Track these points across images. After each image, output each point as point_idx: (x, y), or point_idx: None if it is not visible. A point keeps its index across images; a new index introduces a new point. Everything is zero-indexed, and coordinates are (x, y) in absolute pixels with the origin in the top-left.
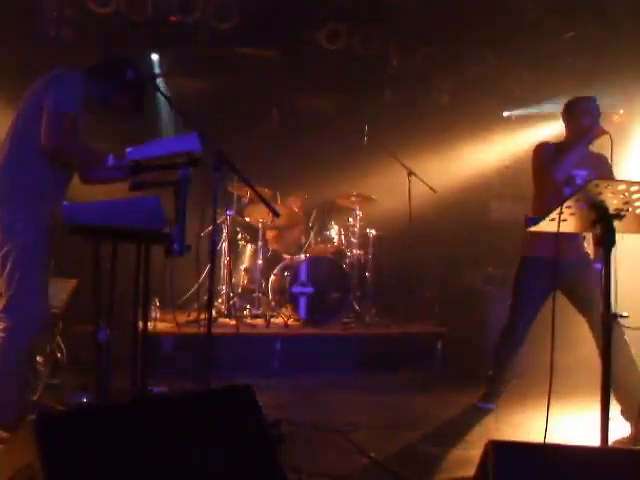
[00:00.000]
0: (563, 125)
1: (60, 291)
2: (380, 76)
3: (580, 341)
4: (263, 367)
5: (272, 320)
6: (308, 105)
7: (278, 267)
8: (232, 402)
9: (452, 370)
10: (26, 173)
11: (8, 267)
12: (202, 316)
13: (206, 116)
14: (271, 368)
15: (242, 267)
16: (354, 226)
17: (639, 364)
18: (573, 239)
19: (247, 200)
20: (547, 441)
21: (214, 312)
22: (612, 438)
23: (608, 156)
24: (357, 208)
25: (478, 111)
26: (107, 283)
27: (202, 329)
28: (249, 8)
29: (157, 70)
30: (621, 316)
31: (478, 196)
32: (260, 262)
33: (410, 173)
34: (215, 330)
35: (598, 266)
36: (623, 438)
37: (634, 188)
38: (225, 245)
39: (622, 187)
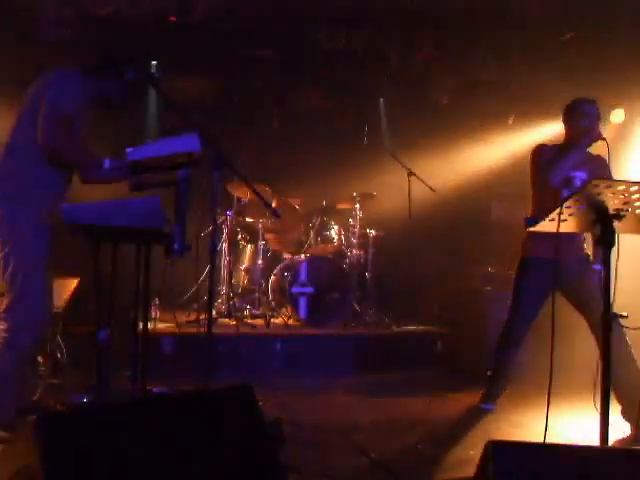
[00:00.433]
0: (562, 126)
1: (60, 291)
2: (380, 76)
3: (580, 341)
4: (263, 367)
5: (272, 320)
6: (308, 105)
7: (278, 267)
8: (232, 402)
9: (452, 370)
10: (27, 173)
11: (10, 268)
12: (202, 316)
13: (206, 116)
14: (271, 368)
15: (242, 267)
16: (354, 226)
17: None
18: (573, 240)
19: (247, 200)
20: (547, 441)
21: (214, 312)
22: (612, 438)
23: (624, 144)
24: (357, 208)
25: (478, 111)
26: (107, 283)
27: (202, 329)
28: (249, 8)
29: (156, 70)
30: (621, 316)
31: (478, 196)
32: (260, 262)
33: (410, 173)
34: (215, 330)
35: (597, 267)
36: (623, 438)
37: (634, 188)
38: (225, 245)
39: (622, 187)
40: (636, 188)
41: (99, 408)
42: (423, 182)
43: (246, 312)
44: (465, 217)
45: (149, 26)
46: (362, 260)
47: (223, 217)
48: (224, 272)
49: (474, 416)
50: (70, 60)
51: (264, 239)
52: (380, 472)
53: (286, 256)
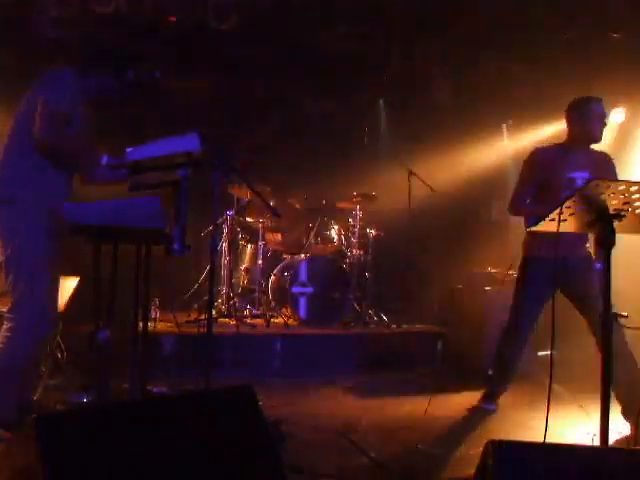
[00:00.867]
0: (562, 127)
1: (60, 291)
2: (380, 76)
3: (581, 341)
4: (263, 367)
5: (272, 320)
6: (308, 105)
7: (278, 267)
8: (232, 402)
9: (452, 370)
10: (29, 174)
11: (15, 268)
12: (202, 316)
13: (206, 116)
14: (271, 368)
15: (242, 267)
16: (354, 226)
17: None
18: (576, 240)
19: (247, 200)
20: (547, 441)
21: (214, 312)
22: (612, 438)
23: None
24: (357, 208)
25: (478, 111)
26: (107, 283)
27: (202, 329)
28: (249, 8)
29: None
30: (621, 316)
31: (478, 196)
32: (260, 262)
33: (410, 173)
34: (215, 330)
35: (598, 266)
36: (623, 438)
37: (634, 188)
38: (225, 245)
39: (622, 187)
40: (636, 188)
41: (99, 408)
42: (423, 182)
43: (246, 312)
44: (465, 217)
45: (149, 26)
46: (362, 260)
47: (223, 217)
48: (224, 272)
49: (474, 416)
50: (70, 60)
51: (264, 239)
52: (380, 472)
53: (286, 256)
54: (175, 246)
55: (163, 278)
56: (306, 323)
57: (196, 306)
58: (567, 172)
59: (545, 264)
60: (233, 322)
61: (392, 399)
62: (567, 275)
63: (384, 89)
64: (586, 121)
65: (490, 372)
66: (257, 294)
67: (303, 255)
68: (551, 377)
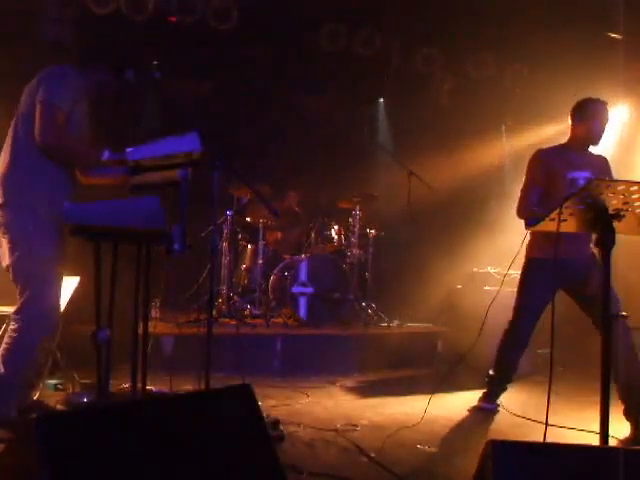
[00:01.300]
0: (562, 127)
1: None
2: (380, 76)
3: (581, 340)
4: (263, 367)
5: (272, 320)
6: (308, 105)
7: (278, 267)
8: (232, 402)
9: (452, 370)
10: (33, 175)
11: (24, 270)
12: (202, 316)
13: (206, 116)
14: (271, 368)
15: (242, 267)
16: (354, 226)
17: None
18: (579, 239)
19: (247, 200)
20: (547, 441)
21: (214, 312)
22: (612, 438)
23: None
24: (357, 208)
25: (477, 111)
26: (107, 283)
27: (202, 329)
28: (249, 8)
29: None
30: (621, 316)
31: (478, 196)
32: (260, 262)
33: (410, 173)
34: (215, 330)
35: None
36: (623, 438)
37: (634, 188)
38: (225, 245)
39: (621, 187)
40: (636, 188)
41: (99, 408)
42: (423, 182)
43: (246, 312)
44: (465, 217)
45: (149, 26)
46: (362, 260)
47: (223, 217)
48: (224, 272)
49: (474, 416)
50: (70, 60)
51: (264, 239)
52: (379, 472)
53: (286, 256)
54: (175, 246)
55: (163, 278)
56: (306, 323)
57: (196, 306)
58: (568, 172)
59: (548, 265)
60: (233, 322)
61: (392, 399)
62: (571, 275)
63: (384, 89)
64: (587, 122)
65: (491, 372)
66: (257, 294)
67: (303, 255)
68: (551, 377)
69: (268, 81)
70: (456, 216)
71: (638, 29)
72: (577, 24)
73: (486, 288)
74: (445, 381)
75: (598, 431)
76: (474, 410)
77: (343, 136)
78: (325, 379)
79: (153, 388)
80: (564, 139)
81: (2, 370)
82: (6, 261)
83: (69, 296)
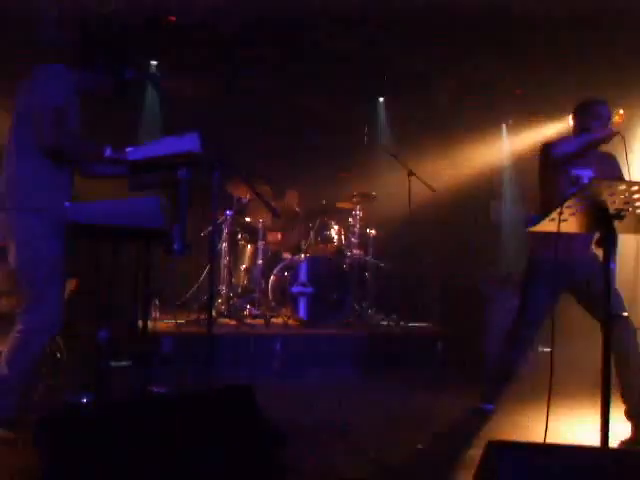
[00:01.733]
0: (562, 126)
1: None
2: (380, 76)
3: (582, 340)
4: (263, 367)
5: (272, 320)
6: (308, 105)
7: (278, 267)
8: (232, 402)
9: (452, 370)
10: (35, 177)
11: (32, 273)
12: (202, 316)
13: (206, 116)
14: (271, 368)
15: (242, 267)
16: (354, 226)
17: None
18: (583, 239)
19: (247, 200)
20: (547, 441)
21: (214, 312)
22: (612, 438)
23: (622, 156)
24: (357, 208)
25: (478, 111)
26: (107, 283)
27: (202, 329)
28: (249, 8)
29: (157, 70)
30: (620, 316)
31: (478, 196)
32: (260, 262)
33: (410, 173)
34: (215, 330)
35: (612, 266)
36: (623, 438)
37: (634, 188)
38: (225, 245)
39: (622, 187)
40: (636, 188)
41: (99, 408)
42: (423, 182)
43: (246, 312)
44: (465, 217)
45: (149, 26)
46: (362, 260)
47: (223, 217)
48: (224, 272)
49: (474, 416)
50: (69, 60)
51: (264, 239)
52: (380, 472)
53: (286, 256)
54: (175, 246)
55: (163, 278)
56: (306, 323)
57: (196, 306)
58: (573, 170)
59: (551, 265)
60: (233, 322)
61: (392, 399)
62: (575, 276)
63: (384, 89)
64: (589, 122)
65: (492, 372)
66: (257, 294)
67: (303, 255)
68: (551, 377)
69: (268, 81)
70: (456, 216)
71: (638, 29)
72: (577, 24)
73: (487, 288)
74: (445, 381)
75: (598, 431)
76: (474, 410)
77: (343, 136)
78: (325, 379)
79: (153, 388)
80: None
81: (6, 371)
82: (14, 263)
83: (68, 296)
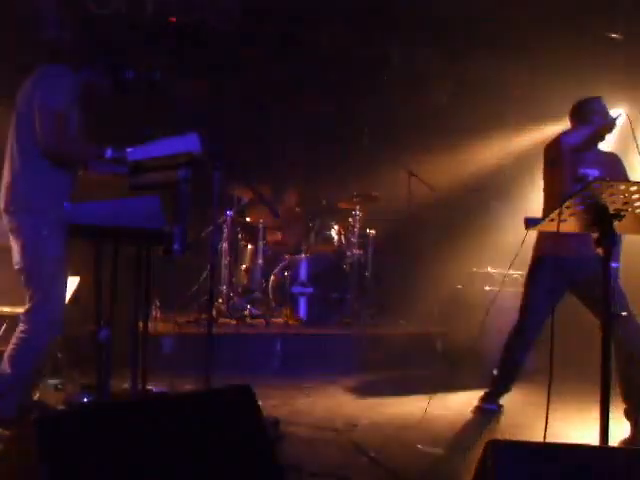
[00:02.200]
0: (562, 126)
1: None
2: (380, 76)
3: (582, 339)
4: (263, 367)
5: (272, 320)
6: (308, 105)
7: (278, 267)
8: (232, 402)
9: (452, 370)
10: (40, 178)
11: (37, 273)
12: (202, 316)
13: (206, 116)
14: (271, 368)
15: (242, 267)
16: (354, 226)
17: None
18: (587, 238)
19: (247, 200)
20: (547, 441)
21: (214, 312)
22: (612, 438)
23: (630, 141)
24: (357, 208)
25: (478, 111)
26: (108, 283)
27: (202, 329)
28: (249, 8)
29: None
30: (620, 315)
31: (478, 196)
32: (260, 262)
33: (410, 173)
34: (215, 330)
35: (615, 265)
36: (623, 438)
37: (634, 188)
38: (225, 245)
39: (622, 187)
40: (636, 188)
41: (99, 408)
42: (423, 182)
43: (246, 312)
44: (465, 217)
45: (149, 26)
46: (362, 260)
47: (223, 217)
48: (224, 272)
49: (474, 416)
50: (69, 60)
51: (264, 239)
52: (379, 471)
53: (286, 256)
54: (175, 246)
55: (163, 278)
56: (306, 323)
57: (196, 306)
58: (579, 168)
59: (556, 264)
60: (233, 322)
61: (392, 399)
62: (579, 275)
63: (384, 89)
64: (589, 118)
65: (495, 372)
66: (257, 294)
67: (303, 255)
68: (551, 377)
69: (268, 81)
70: (456, 216)
71: (639, 29)
72: (577, 24)
73: (486, 288)
74: (445, 381)
75: (598, 431)
76: (475, 410)
77: (343, 136)
78: (325, 379)
79: (153, 388)
80: None
81: (8, 371)
82: (18, 264)
83: (69, 296)
